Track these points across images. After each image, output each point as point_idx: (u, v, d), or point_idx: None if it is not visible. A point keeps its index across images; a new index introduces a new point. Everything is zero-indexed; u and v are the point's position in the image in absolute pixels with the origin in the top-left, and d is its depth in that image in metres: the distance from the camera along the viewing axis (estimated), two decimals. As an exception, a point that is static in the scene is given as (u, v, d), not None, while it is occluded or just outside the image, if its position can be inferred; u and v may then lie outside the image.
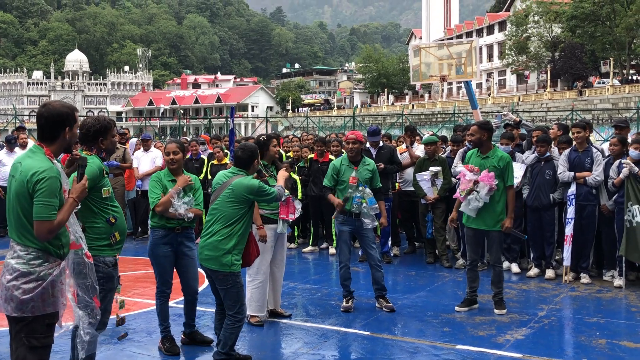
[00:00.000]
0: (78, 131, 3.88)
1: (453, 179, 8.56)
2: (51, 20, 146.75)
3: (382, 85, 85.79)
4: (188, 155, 10.65)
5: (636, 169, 7.17)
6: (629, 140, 8.00)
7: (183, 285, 5.51)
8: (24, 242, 3.44)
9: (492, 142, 6.80)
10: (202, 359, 5.32)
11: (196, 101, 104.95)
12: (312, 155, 9.87)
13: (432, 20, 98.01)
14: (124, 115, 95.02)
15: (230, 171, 5.13)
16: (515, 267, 8.32)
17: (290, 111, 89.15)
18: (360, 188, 6.51)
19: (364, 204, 6.50)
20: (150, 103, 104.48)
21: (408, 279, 8.17)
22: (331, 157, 9.32)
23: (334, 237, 8.94)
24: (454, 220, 7.06)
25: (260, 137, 6.33)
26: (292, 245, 10.11)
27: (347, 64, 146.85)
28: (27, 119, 42.23)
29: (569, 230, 7.73)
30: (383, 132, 11.05)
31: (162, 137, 34.85)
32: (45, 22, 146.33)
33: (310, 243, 10.07)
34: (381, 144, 9.02)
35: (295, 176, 9.50)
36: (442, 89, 79.18)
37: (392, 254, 9.35)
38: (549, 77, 59.84)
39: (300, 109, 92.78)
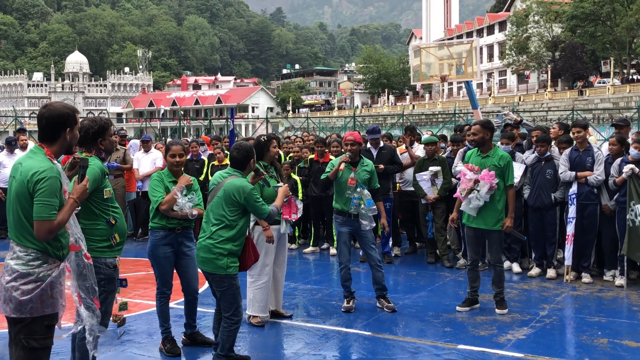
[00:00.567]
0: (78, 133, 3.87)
1: (453, 179, 8.56)
2: (51, 22, 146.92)
3: (382, 86, 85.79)
4: (188, 157, 10.65)
5: (637, 169, 7.16)
6: (629, 139, 8.00)
7: (183, 285, 5.50)
8: (23, 243, 3.43)
9: (492, 142, 6.80)
10: (202, 360, 5.31)
11: (196, 102, 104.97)
12: (312, 156, 9.87)
13: (433, 21, 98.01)
14: (124, 116, 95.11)
15: (226, 171, 5.07)
16: (516, 267, 8.31)
17: (291, 112, 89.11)
18: (358, 189, 6.50)
19: (362, 206, 6.48)
20: (151, 104, 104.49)
21: (409, 279, 8.16)
22: (331, 157, 9.31)
23: (335, 238, 8.94)
24: (455, 220, 7.05)
25: (261, 138, 6.32)
26: (293, 246, 10.11)
27: (347, 65, 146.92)
28: (27, 120, 42.25)
29: (570, 229, 7.72)
30: (383, 132, 11.05)
31: (163, 138, 34.83)
32: (45, 23, 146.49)
33: (311, 244, 10.07)
34: (382, 144, 9.01)
35: (295, 177, 9.50)
36: (443, 89, 79.19)
37: (393, 254, 9.34)
38: (549, 77, 59.83)
39: (301, 110, 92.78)
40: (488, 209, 6.42)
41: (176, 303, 6.24)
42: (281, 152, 9.73)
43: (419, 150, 9.44)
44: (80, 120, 3.87)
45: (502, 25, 71.75)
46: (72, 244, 3.58)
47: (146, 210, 11.32)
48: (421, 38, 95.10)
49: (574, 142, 7.97)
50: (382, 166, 8.47)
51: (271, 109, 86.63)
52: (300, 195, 9.36)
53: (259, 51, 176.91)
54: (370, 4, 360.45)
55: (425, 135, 10.40)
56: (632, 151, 7.34)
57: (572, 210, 7.70)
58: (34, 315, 3.38)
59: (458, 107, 39.38)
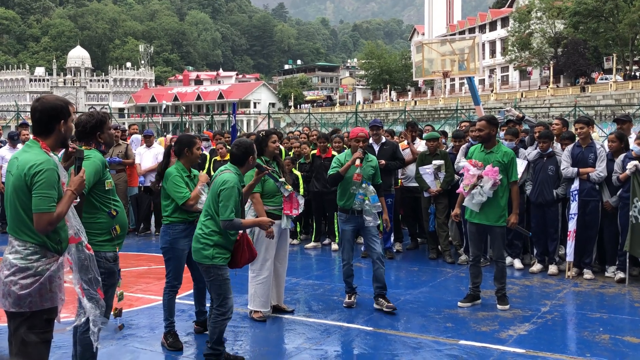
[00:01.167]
0: (73, 125, 3.87)
1: (456, 175, 8.55)
2: (53, 17, 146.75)
3: (384, 82, 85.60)
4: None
5: (640, 165, 7.15)
6: (632, 135, 7.98)
7: (194, 275, 5.56)
8: (21, 237, 3.42)
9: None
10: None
11: (198, 97, 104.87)
12: (314, 152, 9.86)
13: (435, 17, 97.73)
14: (126, 111, 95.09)
15: (225, 166, 5.11)
16: (518, 263, 8.31)
17: (293, 107, 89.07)
18: (363, 185, 6.48)
19: (367, 202, 6.47)
20: (153, 99, 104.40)
21: (411, 275, 8.17)
22: (334, 152, 9.30)
23: (337, 233, 8.94)
24: (457, 216, 7.05)
25: (260, 133, 6.31)
26: (295, 241, 10.11)
27: (349, 61, 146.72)
28: (29, 115, 42.26)
29: (572, 226, 7.71)
30: (386, 127, 11.04)
31: (165, 133, 34.82)
32: (47, 18, 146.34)
33: (313, 239, 10.07)
34: (384, 140, 9.00)
35: (297, 172, 9.50)
36: (445, 85, 78.94)
37: (394, 250, 9.34)
38: (551, 74, 59.66)
39: (303, 106, 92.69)
40: (491, 205, 6.41)
41: (179, 297, 6.24)
42: (282, 148, 9.72)
43: (421, 146, 9.43)
44: (78, 115, 3.86)
45: (505, 21, 71.58)
46: (72, 237, 3.57)
47: (148, 205, 11.34)
48: (423, 34, 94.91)
49: (576, 138, 7.96)
50: (383, 162, 8.45)
51: (273, 105, 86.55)
52: (301, 190, 9.37)
53: (261, 47, 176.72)
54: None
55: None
56: (635, 147, 7.32)
57: (574, 207, 7.69)
58: (33, 309, 3.38)
59: (460, 104, 39.27)
